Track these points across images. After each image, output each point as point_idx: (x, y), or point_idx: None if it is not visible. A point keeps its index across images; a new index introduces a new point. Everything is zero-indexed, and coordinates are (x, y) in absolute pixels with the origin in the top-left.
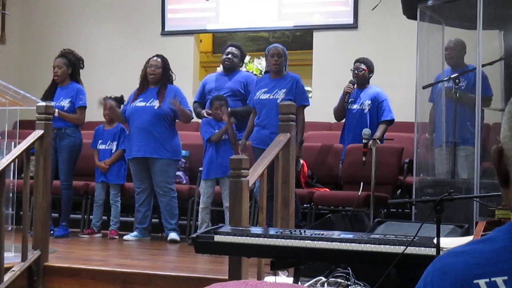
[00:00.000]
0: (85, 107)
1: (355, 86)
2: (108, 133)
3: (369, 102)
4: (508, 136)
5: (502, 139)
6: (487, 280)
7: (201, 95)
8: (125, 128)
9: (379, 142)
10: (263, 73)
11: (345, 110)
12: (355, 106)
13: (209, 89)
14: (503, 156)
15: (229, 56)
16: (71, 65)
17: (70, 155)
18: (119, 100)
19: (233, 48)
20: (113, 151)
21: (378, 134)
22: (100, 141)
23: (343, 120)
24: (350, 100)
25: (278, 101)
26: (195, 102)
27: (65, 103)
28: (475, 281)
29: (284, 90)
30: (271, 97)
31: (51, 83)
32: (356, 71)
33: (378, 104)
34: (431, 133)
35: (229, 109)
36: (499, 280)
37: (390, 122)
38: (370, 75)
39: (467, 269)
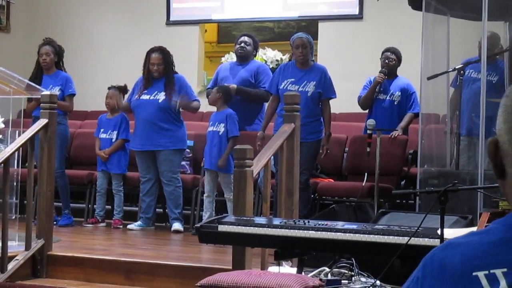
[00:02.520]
0: (74, 95)
1: (386, 77)
2: (110, 122)
3: (399, 93)
4: (503, 129)
5: (497, 132)
6: (486, 272)
7: (214, 83)
8: (126, 117)
9: (400, 133)
10: (268, 61)
11: (373, 100)
12: (384, 97)
13: (222, 77)
14: (499, 148)
15: (242, 44)
16: (57, 54)
17: (61, 142)
18: (123, 89)
19: (246, 37)
20: (113, 140)
21: (403, 124)
22: (101, 130)
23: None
24: (380, 89)
25: (309, 94)
26: (208, 89)
27: (56, 91)
28: (474, 273)
29: (314, 82)
30: (300, 89)
31: (35, 70)
32: (386, 61)
33: (407, 95)
34: (452, 119)
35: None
36: (498, 272)
37: (417, 115)
38: (398, 65)
39: (466, 261)
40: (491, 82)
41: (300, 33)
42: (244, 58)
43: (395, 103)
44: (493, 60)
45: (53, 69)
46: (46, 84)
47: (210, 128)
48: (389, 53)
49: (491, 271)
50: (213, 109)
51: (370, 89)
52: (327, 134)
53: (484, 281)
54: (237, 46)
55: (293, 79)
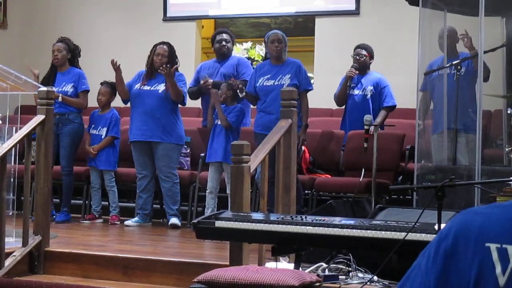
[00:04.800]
0: (88, 91)
1: (357, 72)
2: (101, 118)
3: (372, 88)
4: None
5: None
6: (499, 245)
7: (195, 81)
8: (117, 115)
9: (379, 129)
10: (261, 60)
11: (347, 96)
12: (357, 92)
13: (203, 76)
14: None
15: (223, 43)
16: (70, 51)
17: (72, 141)
18: (115, 86)
19: (224, 35)
20: (103, 137)
21: (378, 120)
22: (92, 126)
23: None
24: (352, 85)
25: (284, 87)
26: (190, 88)
27: (68, 88)
28: (486, 244)
29: (289, 75)
30: (276, 83)
31: (50, 68)
32: (357, 57)
33: (380, 90)
34: (423, 121)
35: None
36: (510, 248)
37: (392, 108)
38: (370, 61)
39: (482, 230)
40: (452, 76)
41: (274, 30)
42: (225, 55)
43: (368, 97)
44: (455, 54)
45: (66, 66)
46: (59, 81)
47: (217, 121)
48: (359, 49)
49: (503, 245)
50: None
51: (343, 85)
52: (303, 125)
53: (495, 254)
54: (217, 45)
55: (268, 75)
